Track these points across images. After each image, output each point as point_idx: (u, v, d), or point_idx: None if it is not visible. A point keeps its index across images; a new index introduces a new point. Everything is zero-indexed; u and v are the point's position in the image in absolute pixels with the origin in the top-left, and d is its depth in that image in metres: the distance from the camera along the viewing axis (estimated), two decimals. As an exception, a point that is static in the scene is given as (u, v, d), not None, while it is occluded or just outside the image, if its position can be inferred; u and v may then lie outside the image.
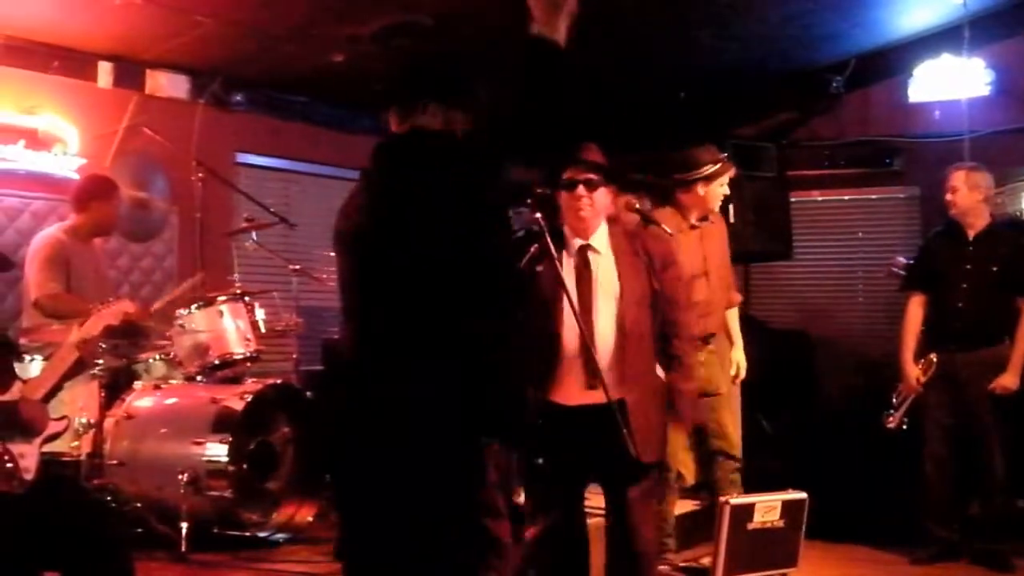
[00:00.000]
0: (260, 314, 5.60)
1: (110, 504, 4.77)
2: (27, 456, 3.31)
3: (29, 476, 3.30)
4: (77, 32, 5.92)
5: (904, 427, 5.16)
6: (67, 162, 5.99)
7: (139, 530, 4.79)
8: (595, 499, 3.78)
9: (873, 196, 7.46)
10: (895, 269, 5.98)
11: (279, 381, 5.49)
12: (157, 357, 5.46)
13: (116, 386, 5.19)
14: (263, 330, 5.58)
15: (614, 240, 3.64)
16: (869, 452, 5.50)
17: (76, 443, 4.94)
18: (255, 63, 6.51)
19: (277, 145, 7.25)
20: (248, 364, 5.53)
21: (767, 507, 4.10)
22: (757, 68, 6.99)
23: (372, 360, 2.58)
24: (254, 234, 6.01)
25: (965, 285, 5.06)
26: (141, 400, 5.17)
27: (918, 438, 5.14)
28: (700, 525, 4.89)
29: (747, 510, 4.06)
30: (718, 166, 4.67)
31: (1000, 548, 4.96)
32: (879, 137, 7.20)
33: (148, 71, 6.48)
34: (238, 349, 5.38)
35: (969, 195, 5.07)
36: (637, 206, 4.03)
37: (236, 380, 5.49)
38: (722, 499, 4.11)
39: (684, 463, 4.71)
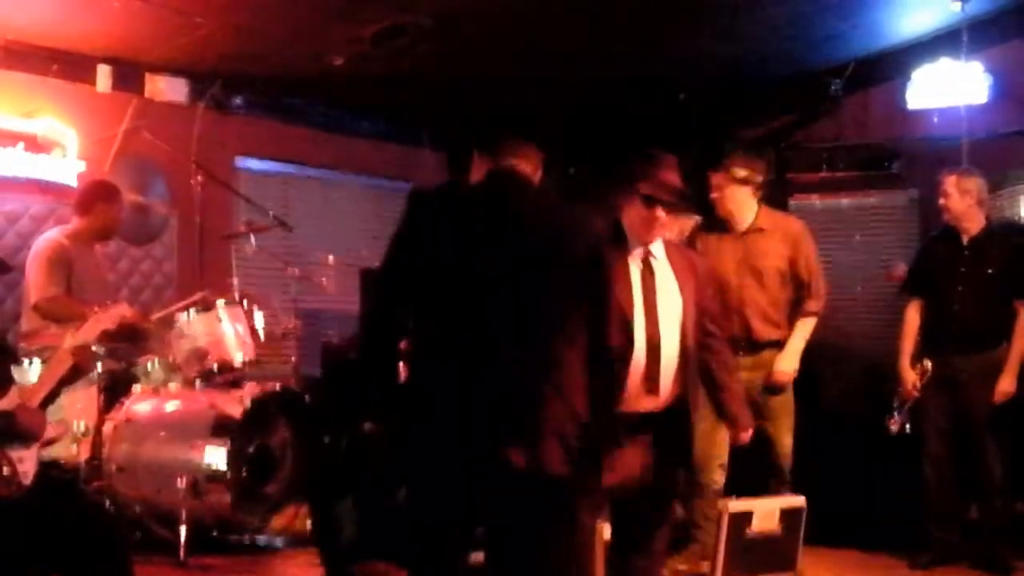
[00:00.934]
0: (259, 318, 5.59)
1: (109, 508, 4.77)
2: (25, 461, 3.31)
3: (27, 481, 3.29)
4: (76, 35, 5.92)
5: (907, 431, 5.15)
6: (66, 166, 6.00)
7: (138, 534, 4.79)
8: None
9: (872, 199, 7.45)
10: (895, 275, 5.98)
11: (278, 385, 5.48)
12: (156, 361, 5.45)
13: (115, 390, 5.18)
14: (262, 335, 5.57)
15: (666, 247, 3.67)
16: (869, 456, 5.49)
17: (75, 447, 4.94)
18: (254, 66, 6.51)
19: (277, 148, 7.25)
20: (247, 368, 5.52)
21: (765, 513, 4.10)
22: (757, 71, 7.00)
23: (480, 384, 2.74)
24: (253, 237, 6.00)
25: (961, 289, 5.05)
26: (140, 404, 5.16)
27: (918, 442, 5.13)
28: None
29: (745, 517, 4.06)
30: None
31: (1000, 551, 4.95)
32: (878, 140, 7.20)
33: (147, 74, 6.48)
34: (237, 354, 5.37)
35: (960, 200, 5.06)
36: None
37: (235, 384, 5.48)
38: (720, 505, 4.12)
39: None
